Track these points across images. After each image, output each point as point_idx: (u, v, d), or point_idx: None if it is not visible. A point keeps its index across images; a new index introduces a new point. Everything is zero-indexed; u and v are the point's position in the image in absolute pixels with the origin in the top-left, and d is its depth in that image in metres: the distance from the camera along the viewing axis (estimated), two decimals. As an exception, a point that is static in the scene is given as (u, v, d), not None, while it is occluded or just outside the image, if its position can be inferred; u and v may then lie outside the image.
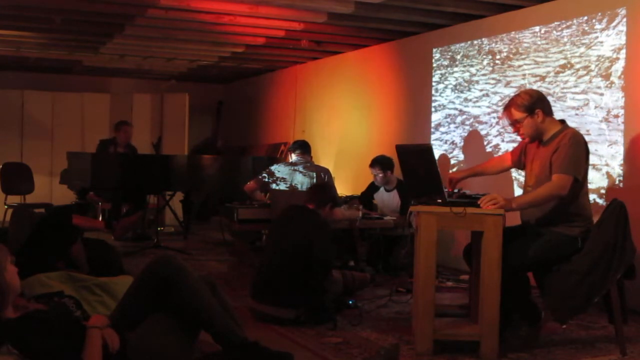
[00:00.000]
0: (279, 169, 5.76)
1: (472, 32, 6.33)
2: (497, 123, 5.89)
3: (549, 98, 5.42)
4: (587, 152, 3.66)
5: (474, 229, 3.64)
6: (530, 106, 3.67)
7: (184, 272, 2.89)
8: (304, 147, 5.90)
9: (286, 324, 4.00)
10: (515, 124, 3.74)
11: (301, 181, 5.64)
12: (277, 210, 5.36)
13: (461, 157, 6.44)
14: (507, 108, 3.76)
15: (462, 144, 6.44)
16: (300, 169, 5.69)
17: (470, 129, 6.33)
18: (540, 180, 3.64)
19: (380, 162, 6.18)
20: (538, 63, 5.62)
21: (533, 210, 3.65)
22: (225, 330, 2.92)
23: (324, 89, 8.75)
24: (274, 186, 5.73)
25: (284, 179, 5.69)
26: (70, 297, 3.09)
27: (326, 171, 5.83)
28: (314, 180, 5.62)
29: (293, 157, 5.88)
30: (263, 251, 5.01)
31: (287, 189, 5.66)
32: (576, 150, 3.56)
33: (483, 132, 6.17)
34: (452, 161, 6.53)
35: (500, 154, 5.89)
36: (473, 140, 6.29)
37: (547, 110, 3.72)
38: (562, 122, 3.78)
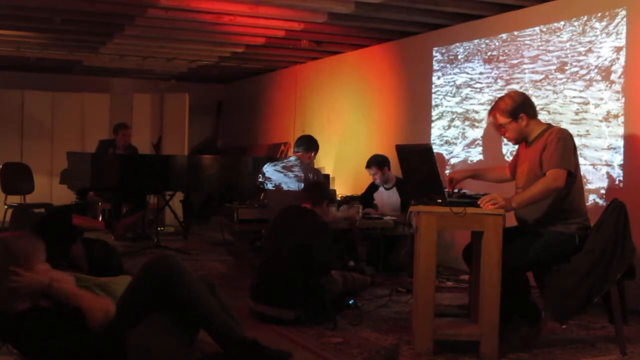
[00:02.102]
0: (267, 169, 5.78)
1: (472, 32, 6.33)
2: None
3: (550, 98, 5.46)
4: (574, 146, 3.68)
5: (474, 229, 3.64)
6: (514, 111, 3.70)
7: (181, 271, 2.89)
8: (297, 143, 5.83)
9: (286, 324, 4.00)
10: (500, 128, 3.77)
11: (281, 180, 5.63)
12: (270, 209, 5.35)
13: (461, 156, 6.44)
14: (492, 112, 3.81)
15: (462, 143, 6.44)
16: (279, 168, 5.68)
17: (471, 130, 6.33)
18: (530, 180, 3.65)
19: (375, 162, 6.21)
20: (538, 63, 5.62)
21: (529, 209, 3.65)
22: (224, 328, 2.92)
23: (324, 89, 8.75)
24: (265, 186, 5.75)
25: (270, 179, 5.70)
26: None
27: (317, 172, 5.77)
28: (290, 178, 5.60)
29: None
30: (262, 251, 5.01)
31: (273, 187, 5.66)
32: (564, 144, 3.59)
33: (482, 133, 6.17)
34: (452, 161, 6.53)
35: (499, 154, 5.89)
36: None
37: (532, 114, 3.76)
38: (547, 124, 3.84)
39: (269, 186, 5.69)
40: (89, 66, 9.81)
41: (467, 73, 6.38)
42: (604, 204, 4.84)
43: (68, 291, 2.80)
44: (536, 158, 3.65)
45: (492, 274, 3.39)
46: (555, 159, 3.55)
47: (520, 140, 3.81)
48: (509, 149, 5.76)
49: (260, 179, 5.78)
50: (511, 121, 3.72)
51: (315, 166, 6.38)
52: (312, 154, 5.81)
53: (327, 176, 7.88)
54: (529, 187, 3.57)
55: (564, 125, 5.26)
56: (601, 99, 5.07)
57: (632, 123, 4.84)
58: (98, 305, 2.76)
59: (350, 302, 4.47)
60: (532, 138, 3.75)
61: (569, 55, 5.34)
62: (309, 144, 5.79)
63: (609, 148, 5.00)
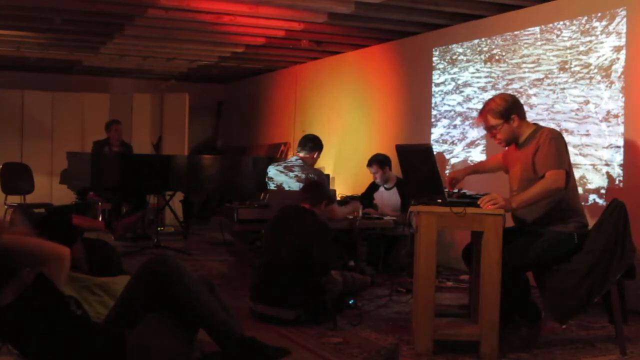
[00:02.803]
0: (270, 169, 5.78)
1: (472, 32, 6.33)
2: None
3: (549, 98, 5.46)
4: (566, 145, 3.68)
5: (474, 229, 3.64)
6: (506, 112, 3.69)
7: (181, 270, 2.89)
8: (300, 143, 5.79)
9: (286, 324, 4.00)
10: (492, 130, 3.76)
11: (283, 179, 5.64)
12: (271, 209, 5.34)
13: (461, 156, 6.44)
14: (483, 114, 3.78)
15: (462, 143, 6.44)
16: (281, 168, 5.68)
17: (471, 130, 6.33)
18: (523, 183, 3.65)
19: (376, 160, 6.21)
20: (538, 63, 5.62)
21: (527, 210, 3.65)
22: (223, 328, 2.92)
23: (324, 89, 8.75)
24: (268, 186, 5.76)
25: (272, 179, 5.71)
26: (71, 297, 3.08)
27: (318, 173, 5.76)
28: (291, 178, 5.60)
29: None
30: (261, 251, 5.01)
31: (275, 188, 5.66)
32: (556, 144, 3.59)
33: (482, 133, 6.17)
34: (452, 161, 6.53)
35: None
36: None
37: (522, 115, 3.75)
38: (535, 124, 3.84)
39: (271, 186, 5.69)
40: (89, 66, 9.81)
41: (467, 73, 6.38)
42: (604, 203, 4.84)
43: (17, 240, 2.76)
44: (528, 160, 3.65)
45: (492, 274, 3.40)
46: (550, 160, 3.55)
47: (511, 141, 3.79)
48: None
49: (266, 181, 5.82)
50: (503, 122, 3.70)
51: (316, 166, 6.35)
52: (316, 154, 5.75)
53: (327, 176, 7.87)
54: (530, 188, 3.57)
55: (564, 125, 5.27)
56: (601, 98, 5.07)
57: (632, 123, 4.84)
58: (49, 250, 2.74)
59: (350, 302, 4.47)
60: (523, 139, 3.74)
61: (569, 55, 5.34)
62: (312, 144, 5.72)
63: (609, 148, 5.00)
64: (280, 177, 5.63)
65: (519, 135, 3.75)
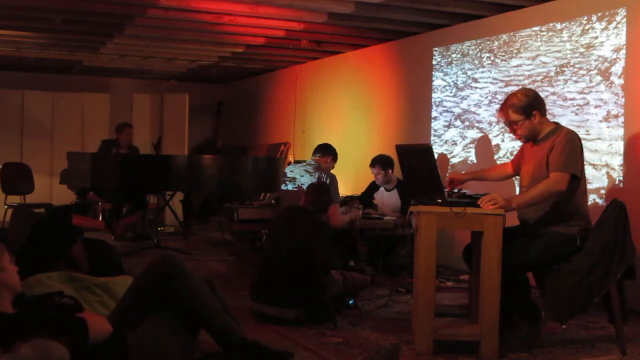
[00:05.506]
0: (291, 169, 5.82)
1: (472, 32, 6.33)
2: (498, 122, 5.89)
3: (550, 98, 5.46)
4: (581, 149, 3.67)
5: (474, 229, 3.64)
6: (527, 108, 3.67)
7: (185, 271, 2.89)
8: (315, 149, 5.95)
9: (286, 324, 4.00)
10: (512, 125, 3.74)
11: (308, 181, 5.65)
12: (275, 209, 5.36)
13: (461, 156, 6.44)
14: (504, 108, 3.75)
15: (462, 143, 6.44)
16: (310, 169, 5.71)
17: (471, 130, 6.33)
18: (535, 180, 3.65)
19: (380, 161, 6.20)
20: (538, 63, 5.62)
21: (531, 210, 3.65)
22: (226, 329, 2.92)
23: (324, 89, 8.75)
24: (282, 187, 5.75)
25: (293, 179, 5.72)
26: (70, 297, 3.08)
27: (331, 176, 5.79)
28: (315, 179, 5.62)
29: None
30: (262, 251, 5.01)
31: (294, 189, 5.66)
32: (571, 147, 3.58)
33: (482, 133, 6.17)
34: (452, 161, 6.53)
35: (499, 154, 5.90)
36: (481, 144, 6.27)
37: (543, 111, 3.74)
38: (556, 123, 3.82)
39: (289, 187, 5.70)
40: (89, 66, 9.82)
41: (467, 73, 6.38)
42: (604, 204, 4.84)
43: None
44: (543, 158, 3.64)
45: (492, 274, 3.40)
46: (560, 162, 3.54)
47: (531, 138, 3.77)
48: (504, 152, 5.77)
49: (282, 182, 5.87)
50: (524, 119, 3.68)
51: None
52: (329, 159, 5.95)
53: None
54: (531, 188, 3.57)
55: (564, 125, 5.26)
56: (601, 99, 5.07)
57: (632, 123, 4.84)
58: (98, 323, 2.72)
59: (350, 302, 4.47)
60: (541, 137, 3.72)
61: (569, 55, 5.34)
62: (325, 150, 5.96)
63: (609, 148, 5.00)
64: (308, 179, 5.64)
65: (539, 132, 3.72)
